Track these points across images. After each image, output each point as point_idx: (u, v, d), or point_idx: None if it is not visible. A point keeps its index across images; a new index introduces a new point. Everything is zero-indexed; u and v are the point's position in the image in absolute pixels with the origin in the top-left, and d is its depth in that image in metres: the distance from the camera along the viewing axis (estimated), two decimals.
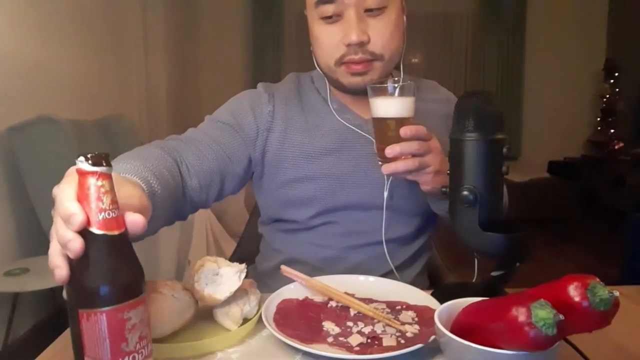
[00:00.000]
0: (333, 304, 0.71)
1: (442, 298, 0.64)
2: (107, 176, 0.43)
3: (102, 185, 0.42)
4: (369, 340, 0.61)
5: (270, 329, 0.61)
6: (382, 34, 0.82)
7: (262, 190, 0.96)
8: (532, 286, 0.52)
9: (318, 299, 0.73)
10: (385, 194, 0.89)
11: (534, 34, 5.17)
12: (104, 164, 0.42)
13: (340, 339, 0.61)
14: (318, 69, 0.91)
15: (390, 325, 0.64)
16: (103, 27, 3.23)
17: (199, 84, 4.82)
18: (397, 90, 0.75)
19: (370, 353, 0.57)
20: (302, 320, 0.66)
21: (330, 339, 0.61)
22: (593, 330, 0.48)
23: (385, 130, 0.77)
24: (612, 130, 4.97)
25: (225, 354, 0.60)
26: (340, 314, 0.68)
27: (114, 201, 0.43)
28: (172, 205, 0.76)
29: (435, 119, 0.92)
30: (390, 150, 0.72)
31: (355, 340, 0.61)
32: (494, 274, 0.69)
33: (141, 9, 3.80)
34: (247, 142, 0.89)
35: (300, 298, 0.73)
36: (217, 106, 0.95)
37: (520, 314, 0.43)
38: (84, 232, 0.42)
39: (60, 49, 2.67)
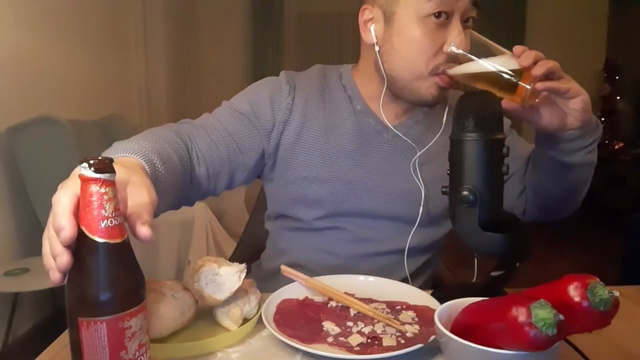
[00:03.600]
0: (333, 304, 0.71)
1: (442, 298, 0.64)
2: (111, 183, 0.41)
3: (105, 193, 0.41)
4: (369, 340, 0.61)
5: (270, 329, 0.61)
6: (468, 45, 0.77)
7: (272, 184, 0.94)
8: (532, 286, 0.52)
9: (318, 299, 0.73)
10: (421, 209, 0.88)
11: (534, 34, 5.17)
12: (108, 171, 0.41)
13: (340, 339, 0.61)
14: (384, 72, 0.83)
15: (390, 325, 0.64)
16: (103, 27, 3.24)
17: (199, 84, 4.81)
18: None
19: (370, 353, 0.57)
20: (302, 320, 0.66)
21: (330, 339, 0.61)
22: (593, 330, 0.48)
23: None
24: (612, 130, 4.96)
25: (225, 354, 0.60)
26: (340, 314, 0.68)
27: (117, 208, 0.42)
28: (177, 190, 0.74)
29: None
30: (525, 58, 0.67)
31: (355, 340, 0.61)
32: (494, 274, 0.69)
33: (141, 8, 3.80)
34: (261, 134, 0.86)
35: (300, 298, 0.73)
36: (217, 106, 0.93)
37: (520, 314, 0.43)
38: (86, 240, 0.41)
39: (60, 49, 2.67)
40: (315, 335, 0.62)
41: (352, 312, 0.68)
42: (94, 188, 0.41)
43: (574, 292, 0.47)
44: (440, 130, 0.88)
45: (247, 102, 0.87)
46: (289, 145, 0.87)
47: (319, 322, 0.66)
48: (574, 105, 0.72)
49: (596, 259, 3.41)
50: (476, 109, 0.65)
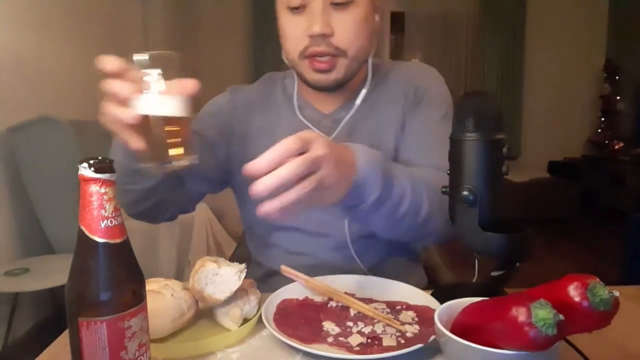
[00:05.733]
0: (333, 304, 0.71)
1: (442, 298, 0.64)
2: (111, 183, 0.42)
3: (106, 193, 0.41)
4: (369, 340, 0.61)
5: (270, 329, 0.61)
6: (346, 29, 0.80)
7: (236, 193, 0.96)
8: (532, 286, 0.52)
9: (318, 299, 0.73)
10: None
11: (534, 34, 5.17)
12: (108, 171, 0.42)
13: (340, 339, 0.61)
14: (286, 61, 0.89)
15: (390, 325, 0.64)
16: (103, 27, 3.24)
17: (199, 84, 4.81)
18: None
19: (370, 353, 0.57)
20: (302, 320, 0.66)
21: (330, 339, 0.61)
22: (593, 330, 0.48)
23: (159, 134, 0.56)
24: (612, 130, 4.97)
25: (225, 354, 0.60)
26: (340, 314, 0.68)
27: (117, 208, 0.42)
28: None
29: (386, 105, 0.89)
30: (260, 189, 0.52)
31: (355, 340, 0.61)
32: (494, 274, 0.69)
33: (141, 9, 3.80)
34: (213, 145, 0.90)
35: (300, 298, 0.73)
36: None
37: (520, 314, 0.43)
38: (86, 240, 0.41)
39: (60, 49, 2.67)
40: (315, 335, 0.62)
41: (352, 312, 0.68)
42: (94, 188, 0.41)
43: (574, 292, 0.47)
44: (352, 112, 0.88)
45: (198, 119, 0.92)
46: (238, 150, 0.91)
47: (319, 322, 0.66)
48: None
49: (596, 259, 3.41)
50: (476, 109, 0.65)
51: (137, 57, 0.56)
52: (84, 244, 0.41)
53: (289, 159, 0.53)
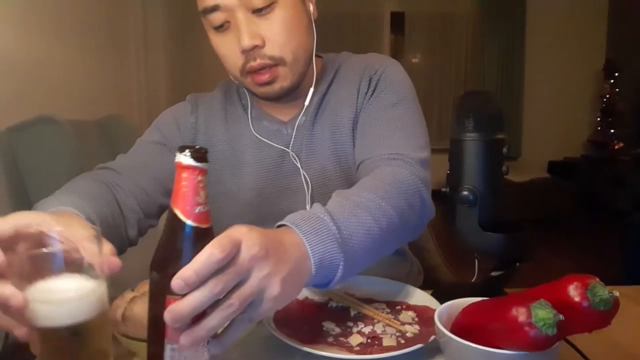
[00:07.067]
0: (333, 304, 0.71)
1: (442, 298, 0.64)
2: (205, 172, 0.44)
3: (201, 181, 0.44)
4: (369, 340, 0.61)
5: (270, 329, 0.61)
6: (276, 35, 0.75)
7: None
8: (532, 286, 0.52)
9: (318, 299, 0.73)
10: (308, 206, 0.84)
11: (534, 34, 5.17)
12: (205, 160, 0.44)
13: (340, 339, 0.61)
14: (232, 78, 0.85)
15: (390, 325, 0.64)
16: (103, 27, 3.24)
17: (199, 84, 4.81)
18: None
19: (370, 353, 0.57)
20: (302, 320, 0.66)
21: (330, 339, 0.61)
22: (593, 330, 0.48)
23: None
24: (612, 130, 4.97)
25: (225, 354, 0.60)
26: (341, 314, 0.68)
27: (207, 196, 0.45)
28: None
29: (341, 102, 0.86)
30: (170, 320, 0.42)
31: (355, 340, 0.61)
32: (494, 274, 0.69)
33: (141, 8, 3.80)
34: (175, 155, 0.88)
35: (300, 298, 0.73)
36: None
37: (520, 314, 0.44)
38: (180, 223, 0.43)
39: (60, 49, 2.67)
40: (315, 335, 0.62)
41: (352, 312, 0.68)
42: (192, 175, 0.43)
43: (574, 292, 0.47)
44: (301, 114, 0.85)
45: (156, 131, 0.89)
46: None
47: (319, 322, 0.66)
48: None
49: (596, 259, 3.41)
50: (476, 109, 0.65)
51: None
52: (177, 227, 0.43)
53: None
